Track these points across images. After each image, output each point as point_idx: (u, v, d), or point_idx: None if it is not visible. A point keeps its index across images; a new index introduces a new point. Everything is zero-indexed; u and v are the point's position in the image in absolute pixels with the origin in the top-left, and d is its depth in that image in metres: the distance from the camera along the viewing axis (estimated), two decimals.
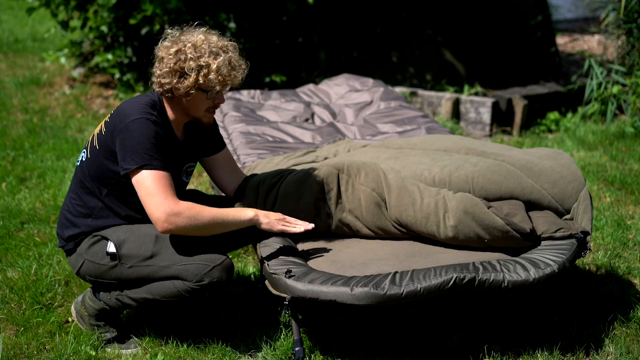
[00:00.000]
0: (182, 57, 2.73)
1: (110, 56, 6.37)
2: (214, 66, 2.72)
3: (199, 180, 4.70)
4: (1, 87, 6.93)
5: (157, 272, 2.75)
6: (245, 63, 2.85)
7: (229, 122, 4.39)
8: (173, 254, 2.74)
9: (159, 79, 2.77)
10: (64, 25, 6.66)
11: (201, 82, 2.73)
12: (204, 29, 2.84)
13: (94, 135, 2.86)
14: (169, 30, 2.84)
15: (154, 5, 5.84)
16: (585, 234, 2.99)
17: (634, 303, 3.16)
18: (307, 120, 4.51)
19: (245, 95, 4.97)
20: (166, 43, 2.80)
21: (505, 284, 2.66)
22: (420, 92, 6.09)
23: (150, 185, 2.66)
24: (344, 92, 5.01)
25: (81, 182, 2.86)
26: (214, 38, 2.80)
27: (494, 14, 6.56)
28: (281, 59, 6.65)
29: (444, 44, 6.48)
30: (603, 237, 3.79)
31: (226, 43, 2.81)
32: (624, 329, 3.00)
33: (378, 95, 4.79)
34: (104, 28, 6.30)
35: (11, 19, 10.34)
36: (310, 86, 5.15)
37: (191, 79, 2.72)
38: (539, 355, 2.82)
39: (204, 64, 2.72)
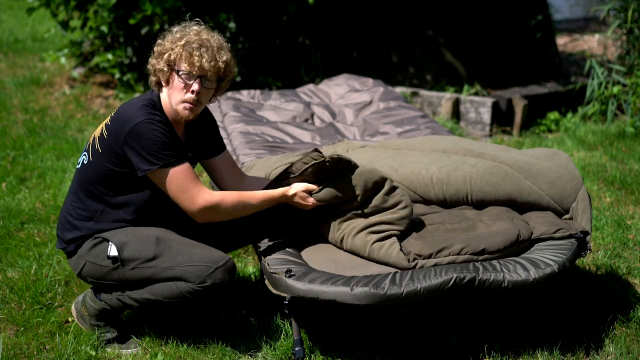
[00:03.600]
0: (162, 39, 2.82)
1: (110, 56, 6.37)
2: (183, 41, 2.76)
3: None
4: (1, 87, 6.93)
5: (159, 274, 2.75)
6: (231, 55, 2.84)
7: (228, 122, 4.39)
8: (175, 256, 2.74)
9: (149, 65, 2.84)
10: (64, 25, 6.66)
11: (172, 58, 2.76)
12: (205, 26, 2.86)
13: (94, 137, 2.85)
14: (168, 30, 2.88)
15: (153, 5, 5.84)
16: (585, 233, 2.99)
17: (634, 303, 3.16)
18: (306, 120, 4.51)
19: (245, 95, 4.97)
20: (164, 37, 2.86)
21: (505, 284, 2.65)
22: (421, 92, 6.08)
23: (179, 183, 2.73)
24: (343, 92, 5.01)
25: (83, 185, 2.86)
26: (201, 28, 2.83)
27: (494, 14, 6.55)
28: (281, 60, 6.65)
29: (444, 44, 6.48)
30: (603, 237, 3.79)
31: (215, 35, 2.84)
32: (624, 329, 3.00)
33: (378, 95, 4.79)
34: (104, 28, 6.30)
35: (11, 19, 10.34)
36: (310, 86, 5.15)
37: (165, 56, 2.77)
38: (539, 355, 2.82)
39: (177, 40, 2.77)
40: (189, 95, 2.78)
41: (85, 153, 2.88)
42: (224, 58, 2.80)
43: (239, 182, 3.10)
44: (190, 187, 2.74)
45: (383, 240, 2.83)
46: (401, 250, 2.79)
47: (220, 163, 3.08)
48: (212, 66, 2.76)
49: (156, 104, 2.81)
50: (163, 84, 2.83)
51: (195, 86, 2.77)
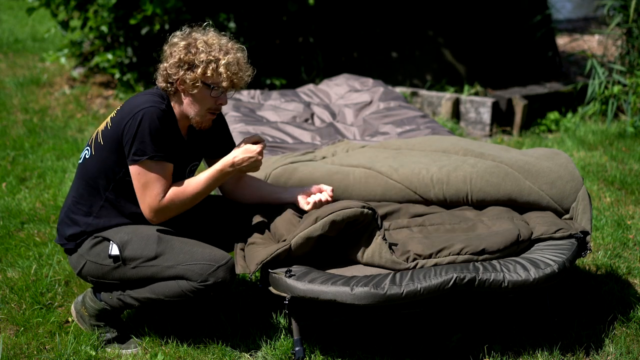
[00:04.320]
0: (193, 50, 2.75)
1: (110, 56, 6.37)
2: (223, 61, 2.74)
3: None
4: (1, 87, 6.93)
5: (161, 272, 2.75)
6: (252, 69, 2.86)
7: (228, 122, 4.37)
8: (177, 254, 2.74)
9: (165, 71, 2.78)
10: (64, 25, 6.66)
11: (209, 74, 2.74)
12: (213, 30, 2.86)
13: (97, 132, 2.85)
14: (177, 33, 2.86)
15: (154, 5, 5.84)
16: (585, 233, 2.99)
17: (634, 303, 3.16)
18: (306, 120, 4.51)
19: (245, 95, 4.97)
20: (175, 40, 2.82)
21: (506, 284, 2.65)
22: (421, 92, 6.08)
23: (149, 179, 2.73)
24: (343, 92, 5.01)
25: (83, 180, 2.86)
26: (225, 39, 2.83)
27: (494, 14, 6.55)
28: (281, 60, 6.65)
29: (444, 44, 6.48)
30: (603, 237, 3.79)
31: (237, 46, 2.84)
32: (624, 329, 3.00)
33: (378, 95, 4.79)
34: (104, 28, 6.30)
35: (11, 19, 10.34)
36: (310, 86, 5.15)
37: (199, 71, 2.73)
38: (539, 355, 2.82)
39: (213, 58, 2.74)
40: (216, 107, 2.82)
41: (88, 148, 2.88)
42: (249, 72, 2.84)
43: (245, 189, 3.08)
44: (157, 187, 2.74)
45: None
46: (391, 250, 2.79)
47: None
48: (244, 84, 2.82)
49: (164, 97, 2.81)
50: (181, 91, 2.80)
51: (224, 100, 2.82)
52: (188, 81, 2.74)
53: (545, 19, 6.77)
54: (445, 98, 5.93)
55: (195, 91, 2.77)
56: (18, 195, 4.39)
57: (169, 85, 2.78)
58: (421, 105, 6.04)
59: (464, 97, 5.94)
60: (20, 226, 3.99)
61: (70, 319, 3.09)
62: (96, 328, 2.94)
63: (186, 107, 2.82)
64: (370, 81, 5.15)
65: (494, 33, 6.53)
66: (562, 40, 8.09)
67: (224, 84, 2.76)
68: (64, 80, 7.04)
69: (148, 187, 2.74)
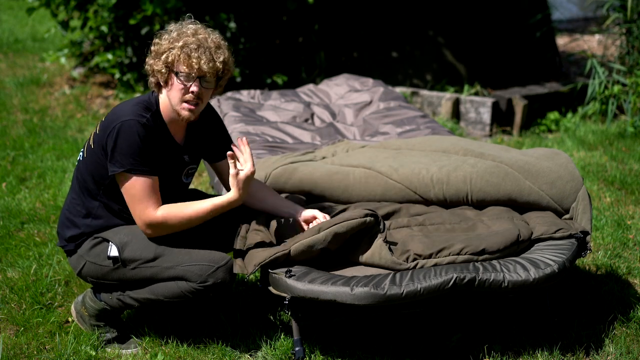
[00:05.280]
0: (162, 38, 2.77)
1: (110, 56, 6.37)
2: (180, 42, 2.72)
3: (199, 180, 4.70)
4: (1, 87, 6.93)
5: (160, 273, 2.75)
6: (229, 57, 2.80)
7: (228, 122, 4.38)
8: (176, 255, 2.74)
9: (146, 65, 2.81)
10: (64, 25, 6.66)
11: (170, 60, 2.72)
12: (202, 25, 2.83)
13: (91, 135, 2.86)
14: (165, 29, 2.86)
15: (154, 5, 5.84)
16: (585, 233, 2.99)
17: (634, 303, 3.16)
18: (306, 120, 4.51)
19: (245, 95, 4.97)
20: (160, 36, 2.83)
21: (506, 284, 2.65)
22: (421, 92, 6.08)
23: (134, 192, 2.71)
24: (343, 92, 5.01)
25: (79, 181, 2.87)
26: (199, 27, 2.79)
27: (494, 13, 6.55)
28: (281, 59, 6.65)
29: (444, 44, 6.48)
30: (603, 237, 3.79)
31: (206, 30, 2.79)
32: (624, 329, 3.00)
33: (378, 95, 4.79)
34: (104, 28, 6.30)
35: (11, 19, 10.34)
36: (310, 86, 5.15)
37: (163, 57, 2.73)
38: (539, 355, 2.81)
39: (176, 43, 2.73)
40: (189, 96, 2.76)
41: (83, 150, 2.89)
42: (222, 58, 2.77)
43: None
44: (142, 200, 2.71)
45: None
46: (391, 250, 2.79)
47: (225, 166, 3.01)
48: (210, 67, 2.74)
49: (152, 106, 2.79)
50: (162, 84, 2.81)
51: (195, 87, 2.75)
52: (158, 69, 2.75)
53: (545, 19, 6.77)
54: (445, 98, 5.93)
55: (168, 80, 2.76)
56: (18, 195, 4.39)
57: (152, 80, 2.80)
58: (421, 105, 6.04)
59: (464, 97, 5.94)
60: (20, 226, 3.99)
61: (70, 319, 3.09)
62: (96, 328, 2.94)
63: (168, 100, 2.80)
64: (370, 81, 5.15)
65: (494, 33, 6.53)
66: (562, 40, 8.09)
67: (183, 68, 2.72)
68: (64, 80, 7.04)
69: (134, 200, 2.72)
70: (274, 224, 3.03)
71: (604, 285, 3.31)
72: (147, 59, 2.83)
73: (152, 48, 2.81)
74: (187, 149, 2.91)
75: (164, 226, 2.74)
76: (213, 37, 2.79)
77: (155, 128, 2.76)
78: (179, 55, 2.72)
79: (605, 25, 6.05)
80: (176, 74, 2.74)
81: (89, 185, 2.83)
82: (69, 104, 6.38)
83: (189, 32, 2.77)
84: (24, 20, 9.98)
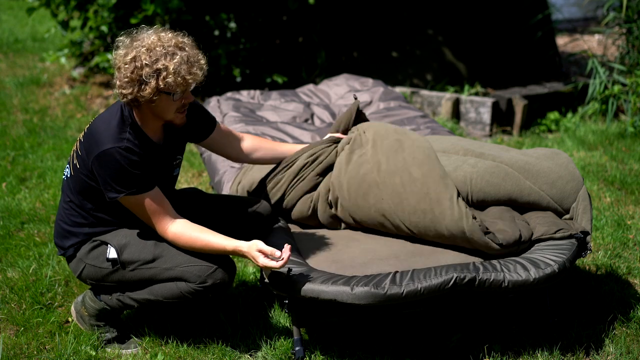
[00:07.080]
0: (138, 64, 2.63)
1: (110, 56, 6.37)
2: (171, 68, 2.60)
3: (199, 180, 4.70)
4: (1, 87, 6.93)
5: (159, 274, 2.75)
6: (204, 57, 2.72)
7: (228, 122, 4.38)
8: (175, 256, 2.74)
9: (120, 90, 2.68)
10: (64, 25, 6.66)
11: (162, 86, 2.62)
12: (155, 27, 2.75)
13: (73, 152, 2.82)
14: (120, 37, 2.76)
15: (154, 5, 5.84)
16: (585, 234, 2.99)
17: (634, 303, 3.16)
18: (306, 120, 4.51)
19: (244, 95, 4.97)
20: (120, 51, 2.72)
21: (506, 284, 2.66)
22: (421, 92, 6.08)
23: (138, 210, 2.70)
24: (343, 92, 5.01)
25: (69, 196, 2.84)
26: (168, 36, 2.68)
27: (495, 13, 6.55)
28: (281, 59, 6.65)
29: (445, 43, 6.48)
30: (603, 237, 3.79)
31: (181, 39, 2.69)
32: (624, 329, 3.00)
33: (378, 95, 4.79)
34: (104, 28, 6.30)
35: (11, 19, 10.34)
36: (310, 86, 5.15)
37: (152, 85, 2.61)
38: (539, 355, 2.82)
39: (161, 67, 2.61)
40: (182, 106, 2.73)
41: (68, 166, 2.86)
42: (203, 62, 2.71)
43: (241, 145, 3.12)
44: (155, 214, 2.70)
45: None
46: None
47: (217, 137, 3.05)
48: (201, 75, 2.69)
49: (127, 119, 2.71)
50: (143, 104, 2.68)
51: (189, 98, 2.73)
52: (145, 97, 2.63)
53: (545, 19, 6.77)
54: (445, 98, 5.93)
55: (157, 100, 2.66)
56: (18, 195, 4.39)
57: (129, 102, 2.68)
58: (421, 105, 6.04)
59: (464, 97, 5.94)
60: (20, 226, 3.99)
61: (70, 319, 3.09)
62: (96, 328, 2.94)
63: (154, 114, 2.72)
64: (370, 81, 5.15)
65: (494, 33, 6.53)
66: (562, 40, 8.09)
67: (179, 89, 2.65)
68: (64, 80, 7.04)
69: (144, 217, 2.71)
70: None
71: (604, 285, 3.31)
72: (115, 80, 2.70)
73: (128, 75, 2.64)
74: (169, 145, 2.87)
75: (177, 241, 2.73)
76: (187, 42, 2.70)
77: (136, 142, 2.69)
78: (173, 82, 2.62)
79: (602, 24, 6.04)
80: (172, 94, 2.67)
81: (81, 201, 2.81)
82: (69, 104, 6.38)
83: (168, 49, 2.63)
84: (24, 20, 9.98)
